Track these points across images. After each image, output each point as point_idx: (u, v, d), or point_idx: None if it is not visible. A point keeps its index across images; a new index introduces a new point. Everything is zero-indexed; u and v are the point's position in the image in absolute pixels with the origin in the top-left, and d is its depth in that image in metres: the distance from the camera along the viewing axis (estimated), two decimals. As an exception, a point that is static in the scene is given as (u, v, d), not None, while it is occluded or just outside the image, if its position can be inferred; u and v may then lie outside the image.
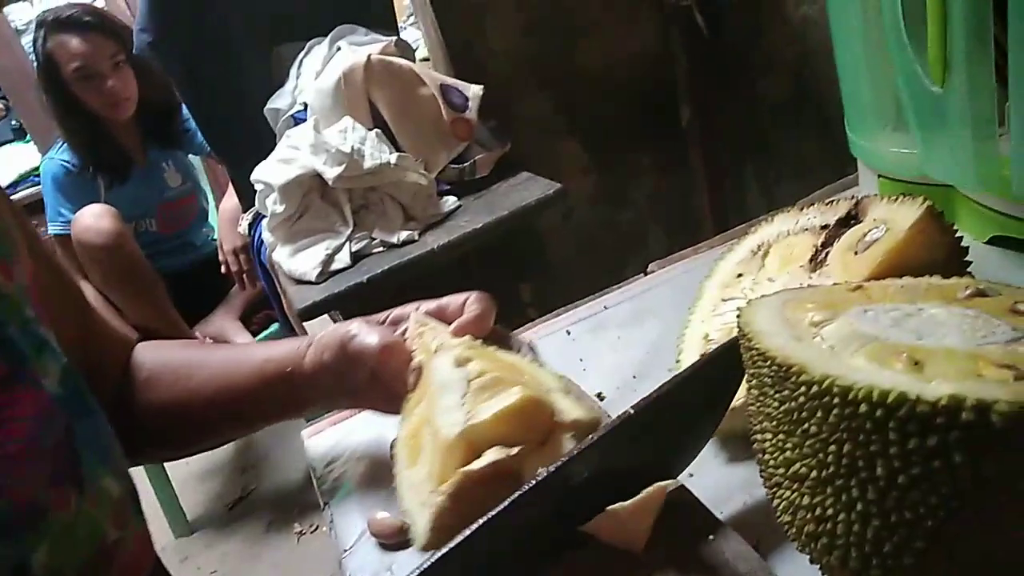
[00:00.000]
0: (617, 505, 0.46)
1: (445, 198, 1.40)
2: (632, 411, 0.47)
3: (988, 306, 0.41)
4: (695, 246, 0.89)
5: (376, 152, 1.30)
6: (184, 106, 2.06)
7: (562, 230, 1.89)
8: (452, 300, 0.62)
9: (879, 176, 0.81)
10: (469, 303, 0.60)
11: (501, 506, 0.43)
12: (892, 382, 0.32)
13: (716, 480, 0.54)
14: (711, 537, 0.46)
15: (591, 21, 1.76)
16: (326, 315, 1.30)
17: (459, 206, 1.39)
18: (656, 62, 1.82)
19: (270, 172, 1.32)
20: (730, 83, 1.83)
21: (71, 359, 0.52)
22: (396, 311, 0.63)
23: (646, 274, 0.88)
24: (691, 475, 0.54)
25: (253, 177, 1.36)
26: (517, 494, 0.44)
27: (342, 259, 1.27)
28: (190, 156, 2.32)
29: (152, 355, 0.69)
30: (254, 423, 0.69)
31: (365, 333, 0.58)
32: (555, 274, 1.88)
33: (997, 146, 0.63)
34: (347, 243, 1.29)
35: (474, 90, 1.47)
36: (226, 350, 0.68)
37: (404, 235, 1.30)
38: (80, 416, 0.49)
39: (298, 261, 1.30)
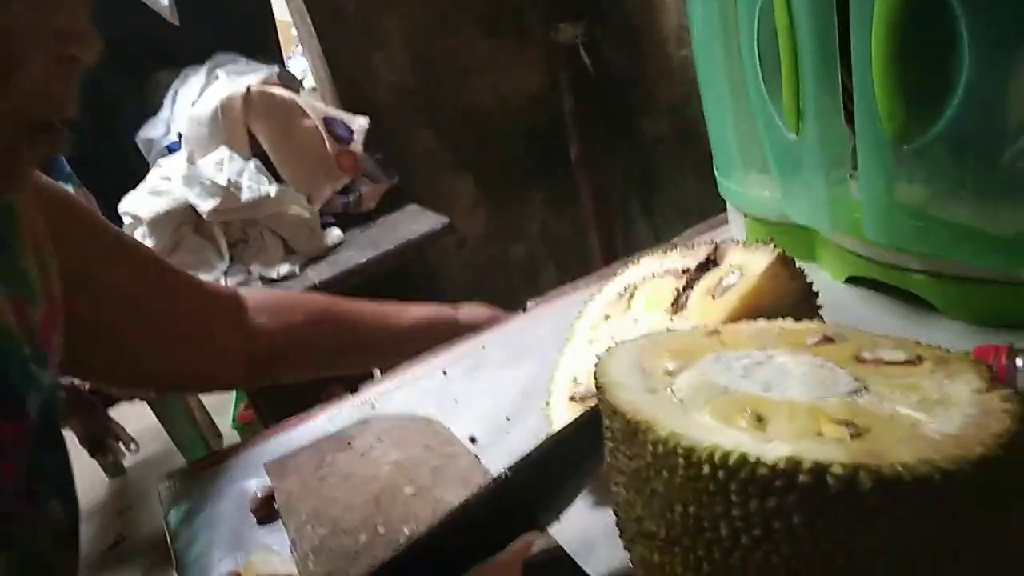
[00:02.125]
0: (484, 564, 0.45)
1: (329, 231, 1.36)
2: (508, 473, 0.46)
3: (834, 354, 0.41)
4: (573, 283, 0.90)
5: (254, 184, 1.26)
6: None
7: (456, 265, 1.87)
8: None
9: (746, 216, 0.83)
10: None
11: (378, 564, 0.44)
12: (735, 442, 0.32)
13: (583, 526, 0.53)
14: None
15: (479, 59, 1.77)
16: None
17: (343, 240, 1.36)
18: (544, 100, 1.85)
19: (139, 204, 1.25)
20: (616, 121, 1.87)
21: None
22: None
23: (524, 311, 0.87)
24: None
25: (121, 209, 1.28)
26: (391, 554, 0.44)
27: (217, 296, 1.21)
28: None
29: (294, 304, 0.83)
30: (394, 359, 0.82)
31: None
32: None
33: (849, 190, 0.65)
34: (222, 278, 1.23)
35: (359, 122, 1.45)
36: (375, 303, 0.85)
37: (284, 269, 1.25)
38: (48, 446, 0.55)
39: (169, 298, 1.23)
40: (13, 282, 0.55)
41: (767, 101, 0.67)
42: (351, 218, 1.42)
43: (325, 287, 1.22)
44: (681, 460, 0.32)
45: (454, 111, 1.78)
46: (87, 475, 2.48)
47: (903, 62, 0.53)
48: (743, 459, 0.30)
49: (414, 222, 1.40)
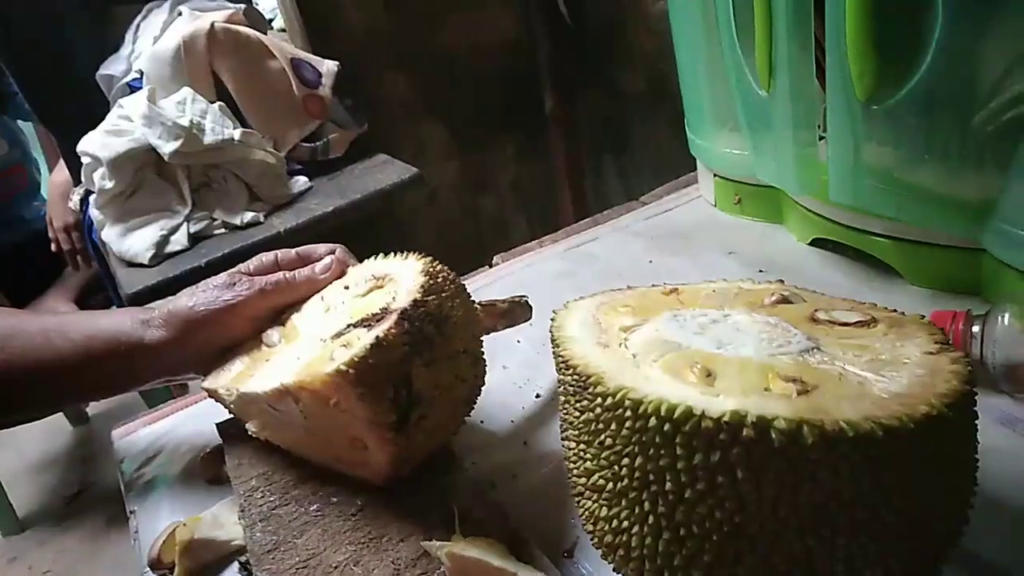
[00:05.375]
0: None
1: (295, 178, 1.33)
2: None
3: (789, 314, 0.41)
4: (540, 239, 0.89)
5: (218, 127, 1.22)
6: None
7: (424, 215, 1.85)
8: (314, 249, 0.60)
9: (715, 176, 0.83)
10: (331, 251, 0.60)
11: None
12: (681, 396, 0.31)
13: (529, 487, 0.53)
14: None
15: (452, 2, 1.72)
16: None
17: (310, 187, 1.33)
18: (519, 48, 1.81)
19: (98, 144, 1.21)
20: (591, 73, 1.84)
21: None
22: (251, 263, 0.60)
23: (491, 267, 0.86)
24: (514, 475, 0.54)
25: (79, 149, 1.24)
26: None
27: (179, 240, 1.19)
28: (19, 122, 2.11)
29: None
30: (80, 398, 0.63)
31: (209, 299, 0.56)
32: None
33: (817, 152, 0.65)
34: (185, 223, 1.21)
35: (328, 66, 1.41)
36: (45, 319, 0.62)
37: (248, 216, 1.22)
38: None
39: (130, 242, 1.20)
40: None
41: (740, 57, 0.66)
42: (318, 166, 1.39)
43: (290, 235, 1.19)
44: (629, 413, 0.32)
45: (427, 56, 1.74)
46: (50, 422, 2.45)
47: (876, 20, 0.52)
48: (688, 412, 0.30)
49: (382, 172, 1.37)
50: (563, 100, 1.83)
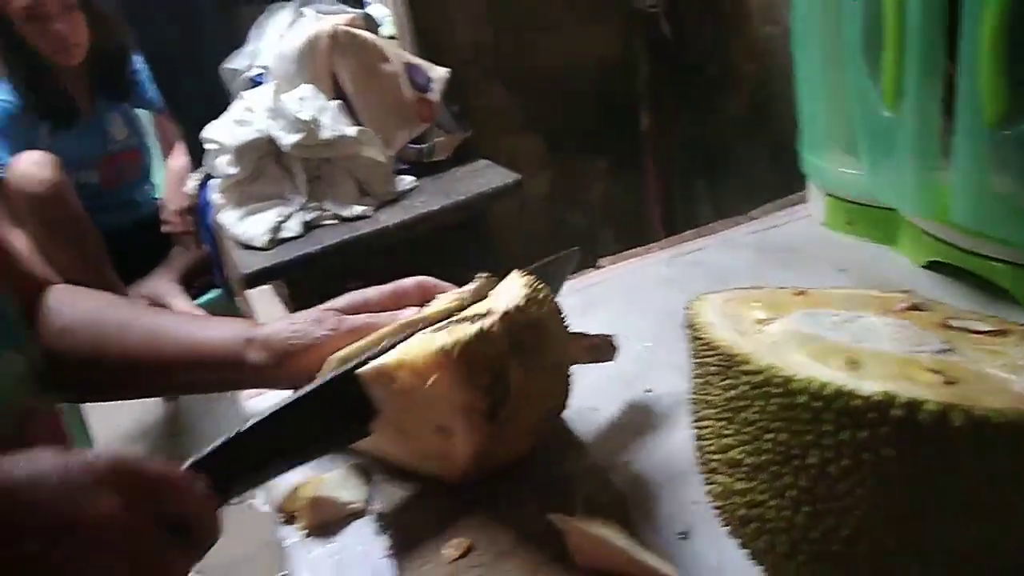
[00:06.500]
0: None
1: (402, 177, 1.39)
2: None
3: (920, 320, 0.43)
4: (647, 245, 0.91)
5: (335, 124, 1.29)
6: (135, 58, 2.00)
7: (514, 224, 1.89)
8: (401, 286, 0.63)
9: (827, 195, 0.84)
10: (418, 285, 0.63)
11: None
12: (830, 376, 0.34)
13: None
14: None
15: (555, 20, 1.77)
16: (268, 285, 1.28)
17: (416, 186, 1.39)
18: (618, 66, 1.85)
19: (223, 132, 1.29)
20: (690, 94, 1.86)
21: None
22: (341, 300, 0.63)
23: (596, 269, 0.89)
24: (627, 462, 0.56)
25: (203, 135, 1.32)
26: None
27: (292, 227, 1.25)
28: (138, 111, 2.25)
29: (71, 305, 0.68)
30: (178, 394, 0.71)
31: (301, 333, 0.60)
32: (500, 268, 1.89)
33: (940, 174, 0.66)
34: (299, 212, 1.27)
35: (439, 72, 1.47)
36: (154, 317, 0.67)
37: (359, 210, 1.28)
38: None
39: (247, 225, 1.27)
40: None
41: (866, 76, 0.68)
42: (422, 168, 1.44)
43: (397, 230, 1.25)
44: (777, 389, 0.34)
45: (527, 72, 1.79)
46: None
47: (1012, 43, 0.53)
48: (839, 390, 0.32)
49: (483, 176, 1.42)
50: (659, 120, 1.85)
